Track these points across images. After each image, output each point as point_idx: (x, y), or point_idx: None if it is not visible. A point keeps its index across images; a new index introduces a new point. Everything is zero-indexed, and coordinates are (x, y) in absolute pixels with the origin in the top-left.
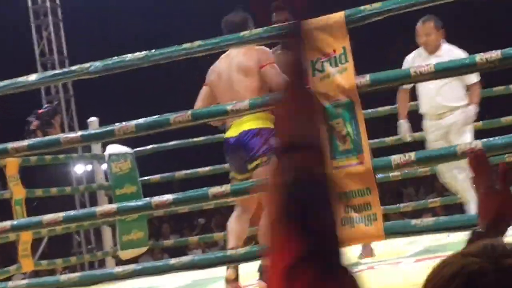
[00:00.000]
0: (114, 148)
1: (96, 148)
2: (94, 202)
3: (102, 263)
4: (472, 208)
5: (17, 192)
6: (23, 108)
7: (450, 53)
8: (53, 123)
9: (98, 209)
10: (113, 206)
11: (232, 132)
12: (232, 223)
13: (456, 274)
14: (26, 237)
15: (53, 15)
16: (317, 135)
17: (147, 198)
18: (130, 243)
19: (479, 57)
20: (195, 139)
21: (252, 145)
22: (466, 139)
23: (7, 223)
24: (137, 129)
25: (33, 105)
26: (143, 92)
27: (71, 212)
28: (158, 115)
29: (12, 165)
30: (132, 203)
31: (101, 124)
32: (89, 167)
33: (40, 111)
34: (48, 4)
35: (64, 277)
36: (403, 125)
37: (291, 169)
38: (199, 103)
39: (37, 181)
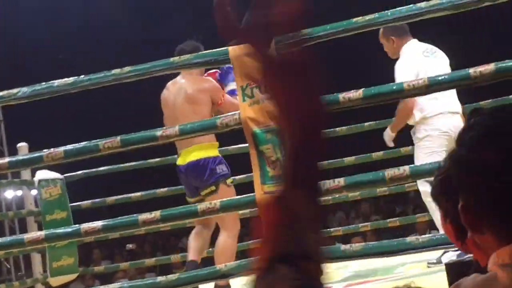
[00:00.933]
0: (43, 174)
1: (25, 174)
2: (23, 228)
3: None
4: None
5: None
6: None
7: (398, 61)
8: None
9: (26, 236)
10: (41, 233)
11: (181, 161)
12: (192, 239)
13: None
14: None
15: None
16: (319, 244)
17: (76, 225)
18: (60, 269)
19: (406, 83)
20: (126, 164)
21: (200, 174)
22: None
23: None
24: (66, 155)
25: None
26: (77, 118)
27: None
28: (87, 141)
29: None
30: (61, 230)
31: (31, 149)
32: (19, 193)
33: None
34: None
35: None
36: None
37: (290, 279)
38: None
39: None
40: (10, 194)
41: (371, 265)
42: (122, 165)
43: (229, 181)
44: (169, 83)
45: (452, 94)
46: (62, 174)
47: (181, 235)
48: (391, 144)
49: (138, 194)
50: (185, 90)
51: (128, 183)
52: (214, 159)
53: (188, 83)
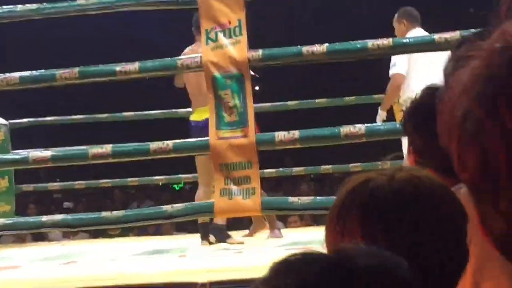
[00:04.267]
0: None
1: None
2: None
3: None
4: None
5: None
6: None
7: None
8: None
9: None
10: None
11: (196, 117)
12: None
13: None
14: None
15: None
16: None
17: (25, 152)
18: None
19: (371, 42)
20: (73, 117)
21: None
22: None
23: None
24: (21, 81)
25: None
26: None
27: None
28: (44, 70)
29: None
30: (9, 156)
31: None
32: None
33: None
34: None
35: None
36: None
37: None
38: (176, 80)
39: None
40: None
41: None
42: (68, 117)
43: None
44: (186, 49)
45: None
46: (7, 120)
47: (116, 201)
48: None
49: (82, 147)
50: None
51: (74, 137)
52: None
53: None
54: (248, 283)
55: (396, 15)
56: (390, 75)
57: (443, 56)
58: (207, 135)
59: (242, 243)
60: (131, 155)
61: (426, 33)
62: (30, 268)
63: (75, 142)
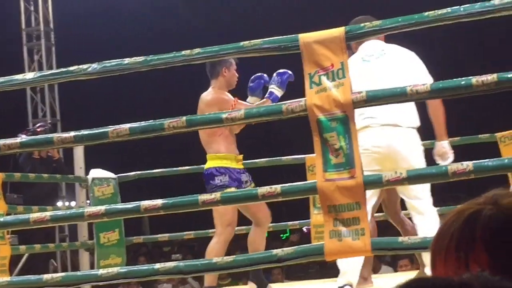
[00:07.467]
0: (97, 172)
1: (80, 171)
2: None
3: None
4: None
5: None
6: (8, 130)
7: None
8: None
9: (86, 209)
10: (102, 208)
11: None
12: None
13: (458, 215)
14: (4, 252)
15: (46, 38)
16: None
17: (137, 202)
18: (107, 268)
19: (475, 79)
20: (179, 168)
21: (206, 183)
22: None
23: None
24: (131, 132)
25: (19, 128)
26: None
27: (59, 212)
28: (152, 120)
29: None
30: (121, 206)
31: (87, 152)
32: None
33: (39, 129)
34: (41, 27)
35: (47, 276)
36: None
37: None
38: None
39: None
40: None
41: None
42: (175, 168)
43: (228, 191)
44: (204, 95)
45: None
46: (115, 174)
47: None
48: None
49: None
50: (199, 104)
51: (182, 188)
52: (217, 169)
53: (204, 96)
54: None
55: None
56: None
57: None
58: (206, 186)
59: None
60: (240, 200)
61: (372, 47)
62: None
63: (183, 191)
